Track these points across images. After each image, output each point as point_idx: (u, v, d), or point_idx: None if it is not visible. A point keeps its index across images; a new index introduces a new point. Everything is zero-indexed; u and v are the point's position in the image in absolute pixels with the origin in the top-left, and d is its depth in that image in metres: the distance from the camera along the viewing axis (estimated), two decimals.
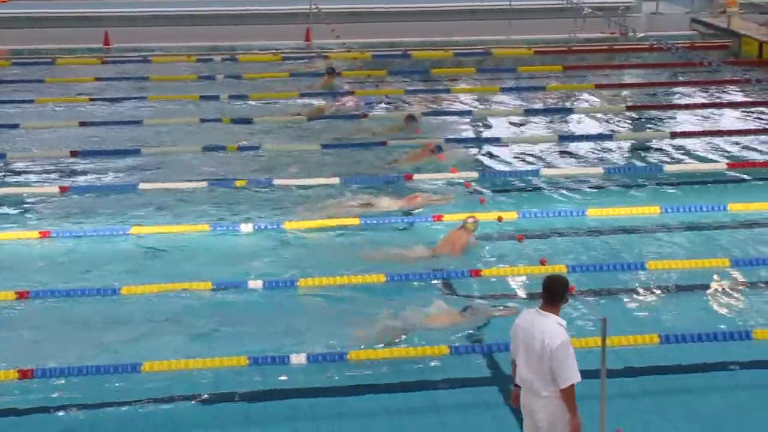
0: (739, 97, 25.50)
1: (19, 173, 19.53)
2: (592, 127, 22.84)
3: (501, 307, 13.22)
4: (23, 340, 12.81)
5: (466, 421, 10.92)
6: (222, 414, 11.12)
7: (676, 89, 26.80)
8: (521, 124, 23.14)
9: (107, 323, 13.13)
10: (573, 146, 21.05)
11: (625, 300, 13.66)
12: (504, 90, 26.26)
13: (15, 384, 11.55)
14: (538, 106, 24.74)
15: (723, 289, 14.00)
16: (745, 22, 31.97)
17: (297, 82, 26.45)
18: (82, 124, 22.67)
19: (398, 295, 13.68)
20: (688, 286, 14.12)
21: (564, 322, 9.08)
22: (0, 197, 18.07)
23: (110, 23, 32.56)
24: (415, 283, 14.17)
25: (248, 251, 15.46)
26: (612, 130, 22.38)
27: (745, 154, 20.32)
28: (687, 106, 24.63)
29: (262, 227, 16.20)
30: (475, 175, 18.63)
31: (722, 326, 12.81)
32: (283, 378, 11.75)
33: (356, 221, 16.31)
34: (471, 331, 12.70)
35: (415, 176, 18.56)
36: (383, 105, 24.76)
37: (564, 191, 18.09)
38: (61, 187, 18.33)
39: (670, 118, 23.69)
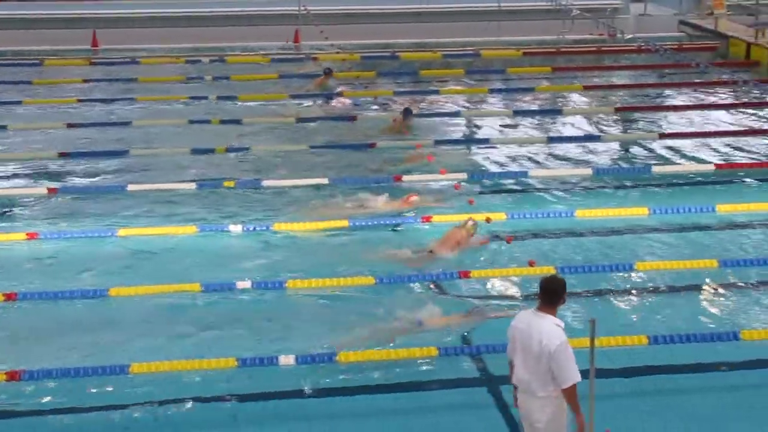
0: (726, 99, 25.53)
1: (7, 174, 19.46)
2: (580, 128, 22.87)
3: (506, 309, 13.20)
4: (10, 342, 12.76)
5: (458, 423, 10.91)
6: (210, 415, 11.10)
7: (664, 90, 26.86)
8: (510, 126, 23.14)
9: (95, 325, 13.08)
10: (562, 147, 21.06)
11: (614, 301, 13.68)
12: (493, 91, 26.29)
13: (2, 386, 11.51)
14: (527, 107, 24.75)
15: (711, 290, 14.03)
16: (732, 24, 32.04)
17: (286, 83, 26.42)
18: (70, 125, 22.61)
19: (388, 296, 13.68)
20: (677, 287, 14.14)
21: (562, 323, 9.10)
22: None
23: (98, 24, 32.46)
24: (405, 284, 14.14)
25: (237, 252, 15.44)
26: (600, 132, 22.41)
27: (733, 155, 20.34)
28: (675, 108, 24.68)
29: (251, 228, 16.18)
30: (464, 176, 18.63)
31: (710, 327, 12.85)
32: (272, 379, 11.72)
33: (345, 223, 16.29)
34: (464, 333, 12.72)
35: (404, 177, 18.56)
36: (374, 106, 24.71)
37: (553, 192, 18.10)
38: (49, 189, 18.29)
39: (659, 119, 23.71)
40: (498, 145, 21.26)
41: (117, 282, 14.17)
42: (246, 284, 13.95)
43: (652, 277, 14.35)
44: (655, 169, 19.24)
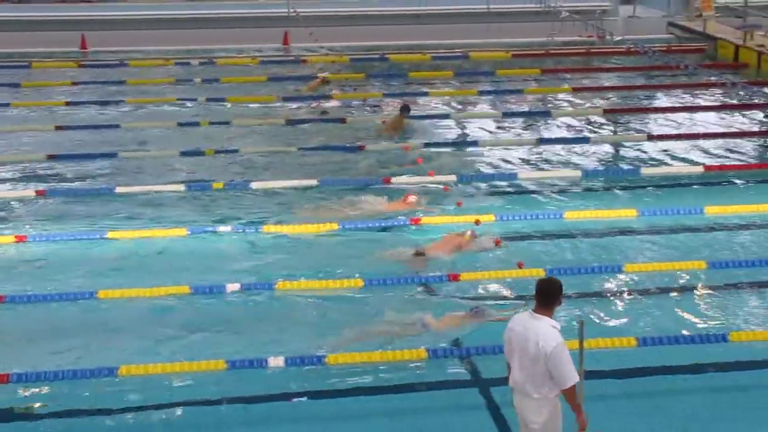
0: (715, 100, 25.58)
1: None
2: (569, 130, 22.89)
3: (509, 308, 13.21)
4: None
5: (447, 426, 10.91)
6: (199, 418, 11.07)
7: (652, 92, 26.90)
8: (499, 127, 23.16)
9: (84, 327, 13.06)
10: (551, 149, 21.09)
11: (603, 302, 13.68)
12: (482, 93, 26.30)
13: None
14: (517, 109, 24.77)
15: (700, 291, 14.05)
16: (720, 26, 32.15)
17: (275, 86, 26.41)
18: (59, 127, 22.58)
19: (380, 298, 13.69)
20: (666, 288, 14.16)
21: (558, 325, 9.12)
22: None
23: (87, 26, 32.43)
24: (396, 287, 14.15)
25: (226, 254, 15.43)
26: (589, 133, 22.43)
27: (722, 157, 20.38)
28: (664, 109, 24.70)
29: (240, 230, 16.17)
30: (452, 178, 18.63)
31: (699, 328, 12.87)
32: (261, 381, 11.71)
33: (335, 226, 16.28)
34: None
35: (393, 179, 18.56)
36: (364, 108, 24.72)
37: (542, 194, 18.11)
38: (37, 191, 18.25)
39: (647, 121, 23.75)
40: (487, 147, 21.28)
41: (106, 284, 14.14)
42: (235, 286, 13.93)
43: (641, 278, 14.38)
44: (644, 170, 19.28)
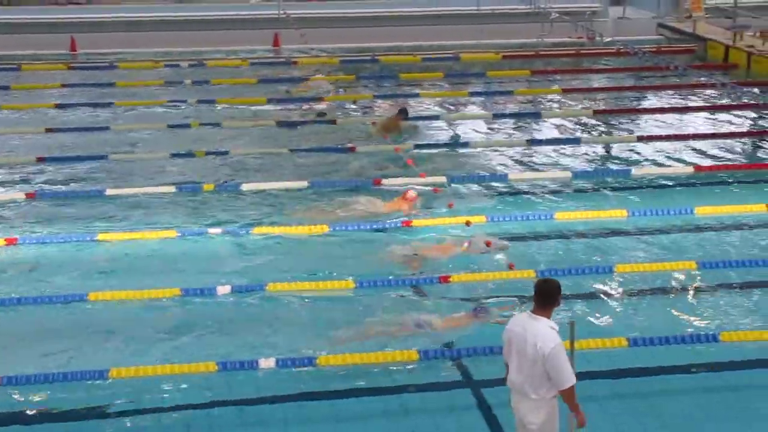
0: (705, 101, 25.63)
1: None
2: (559, 131, 22.91)
3: (510, 305, 13.22)
4: None
5: (438, 427, 10.92)
6: (190, 420, 11.06)
7: (642, 93, 26.94)
8: (490, 129, 23.18)
9: (74, 329, 13.04)
10: (541, 150, 21.11)
11: (594, 303, 13.69)
12: (472, 94, 26.32)
13: None
14: (507, 110, 24.79)
15: (690, 292, 14.07)
16: (710, 27, 32.23)
17: (266, 88, 26.40)
18: (49, 130, 22.55)
19: (370, 300, 13.70)
20: (656, 289, 14.19)
21: (556, 326, 9.14)
22: None
23: (76, 29, 32.37)
24: (386, 288, 14.15)
25: (217, 256, 15.41)
26: (579, 135, 22.45)
27: (712, 157, 20.41)
28: (654, 110, 24.74)
29: (231, 232, 16.16)
30: (443, 179, 18.63)
31: (690, 329, 12.89)
32: (252, 383, 11.70)
33: (325, 228, 16.26)
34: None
35: (384, 181, 18.56)
36: (355, 109, 24.73)
37: (532, 195, 18.13)
38: (27, 194, 18.21)
39: (637, 122, 23.79)
40: (478, 148, 21.29)
41: (96, 286, 14.13)
42: (226, 288, 13.92)
43: (632, 279, 14.40)
44: (635, 171, 19.30)
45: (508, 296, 13.66)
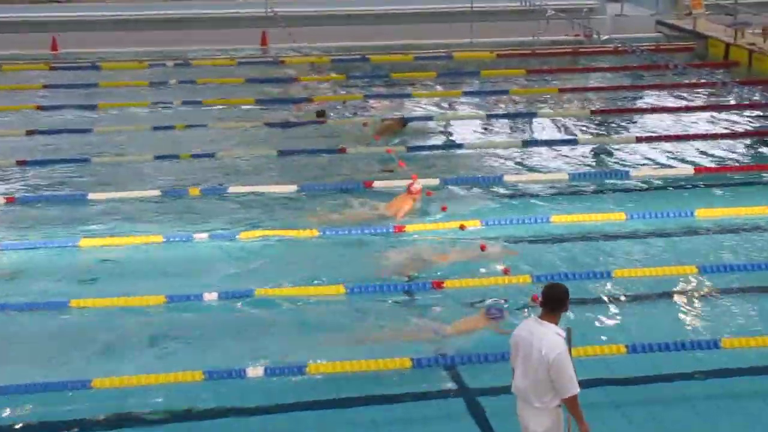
0: (705, 101, 25.66)
1: None
2: (556, 131, 22.94)
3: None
4: None
5: None
6: (176, 431, 11.04)
7: (641, 92, 26.97)
8: (484, 130, 23.19)
9: (56, 338, 13.01)
10: (537, 151, 21.13)
11: (591, 309, 13.69)
12: (466, 94, 26.33)
13: None
14: (501, 110, 24.80)
15: (691, 297, 14.08)
16: (711, 24, 32.26)
17: (253, 88, 26.39)
18: (30, 132, 22.51)
19: (361, 305, 13.72)
20: (655, 294, 14.20)
21: (563, 332, 9.13)
22: None
23: (58, 28, 32.31)
24: (377, 293, 14.15)
25: (203, 262, 15.39)
26: (576, 135, 22.47)
27: (713, 158, 20.44)
28: (652, 110, 24.77)
29: (218, 237, 16.13)
30: (436, 181, 18.61)
31: (690, 335, 12.90)
32: (239, 392, 11.68)
33: (314, 233, 16.25)
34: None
35: (375, 184, 18.55)
36: (344, 110, 24.73)
37: (528, 197, 18.14)
38: (7, 198, 18.19)
39: (636, 122, 23.82)
40: (472, 150, 21.29)
41: (78, 293, 14.10)
42: (212, 295, 13.90)
43: (631, 284, 14.40)
44: (633, 173, 19.31)
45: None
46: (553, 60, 30.31)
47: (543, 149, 21.28)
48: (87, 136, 22.34)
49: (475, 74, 28.41)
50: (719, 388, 11.76)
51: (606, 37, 31.04)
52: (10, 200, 18.10)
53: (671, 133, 22.40)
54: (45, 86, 26.90)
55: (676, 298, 14.09)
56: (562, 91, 26.39)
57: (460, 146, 21.64)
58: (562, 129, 23.11)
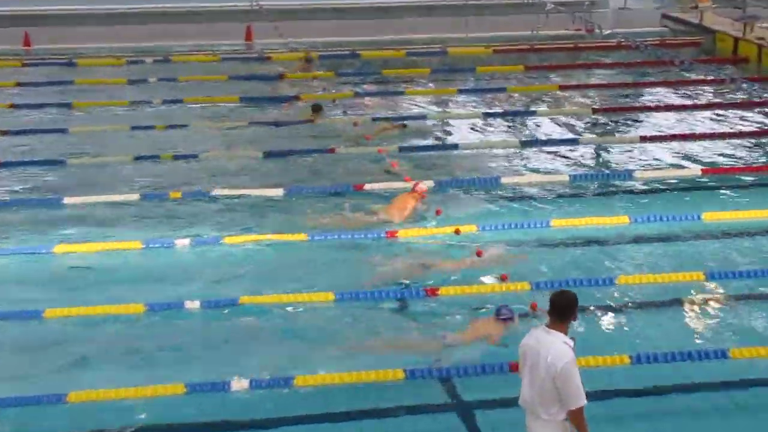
0: (713, 98, 25.72)
1: None
2: (556, 131, 22.97)
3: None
4: None
5: None
6: None
7: (645, 90, 27.01)
8: (480, 129, 23.21)
9: (29, 349, 13.01)
10: (536, 152, 21.16)
11: (594, 317, 13.72)
12: (462, 92, 26.35)
13: None
14: (499, 108, 24.83)
15: (697, 304, 14.10)
16: (718, 18, 32.31)
17: (237, 84, 26.40)
18: (2, 132, 22.48)
19: (349, 314, 13.73)
20: (660, 301, 14.22)
21: (571, 342, 9.18)
22: None
23: (30, 22, 32.26)
24: (368, 302, 14.17)
25: (185, 269, 15.39)
26: (577, 134, 22.51)
27: (720, 159, 20.48)
28: (657, 108, 24.82)
29: (200, 243, 16.14)
30: (430, 183, 18.61)
31: (697, 344, 12.92)
32: (223, 406, 11.69)
33: (303, 237, 16.26)
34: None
35: (367, 185, 18.56)
36: (333, 108, 24.75)
37: (526, 200, 18.17)
38: None
39: (640, 120, 23.86)
40: (467, 150, 21.32)
41: (53, 302, 14.08)
42: (194, 304, 13.90)
43: (635, 291, 14.43)
44: (637, 174, 19.35)
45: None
46: (553, 56, 30.33)
47: (542, 149, 21.31)
48: (62, 136, 22.32)
49: (471, 71, 28.42)
50: (727, 400, 11.79)
51: (608, 31, 31.01)
52: None
53: (677, 132, 22.45)
54: (18, 84, 26.83)
55: (681, 305, 14.10)
56: (562, 88, 26.42)
57: (455, 146, 21.65)
58: (563, 128, 23.13)
